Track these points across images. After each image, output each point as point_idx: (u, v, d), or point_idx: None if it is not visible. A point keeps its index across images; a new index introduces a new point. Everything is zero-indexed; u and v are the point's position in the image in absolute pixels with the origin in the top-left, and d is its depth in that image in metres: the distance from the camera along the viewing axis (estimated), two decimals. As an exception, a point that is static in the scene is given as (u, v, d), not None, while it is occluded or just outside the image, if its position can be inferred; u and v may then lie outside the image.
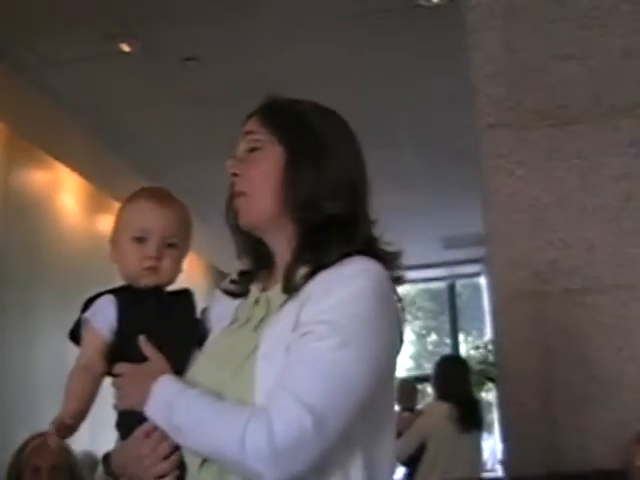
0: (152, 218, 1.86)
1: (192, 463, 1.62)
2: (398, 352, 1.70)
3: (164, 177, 6.68)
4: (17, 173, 6.90)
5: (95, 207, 8.32)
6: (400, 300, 1.72)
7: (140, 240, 1.85)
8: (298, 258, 1.70)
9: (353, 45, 5.83)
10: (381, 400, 1.64)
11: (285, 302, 1.66)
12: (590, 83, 3.34)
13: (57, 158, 7.43)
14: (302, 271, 1.67)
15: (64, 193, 7.76)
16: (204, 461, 1.60)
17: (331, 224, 1.69)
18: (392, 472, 1.71)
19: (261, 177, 1.74)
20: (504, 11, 3.48)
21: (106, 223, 8.29)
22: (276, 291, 1.72)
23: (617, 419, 3.11)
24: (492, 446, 9.61)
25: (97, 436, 6.93)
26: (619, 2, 3.37)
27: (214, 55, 5.82)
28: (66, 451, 3.35)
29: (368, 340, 1.56)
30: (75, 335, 1.87)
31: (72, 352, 1.87)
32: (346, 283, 1.59)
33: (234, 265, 1.93)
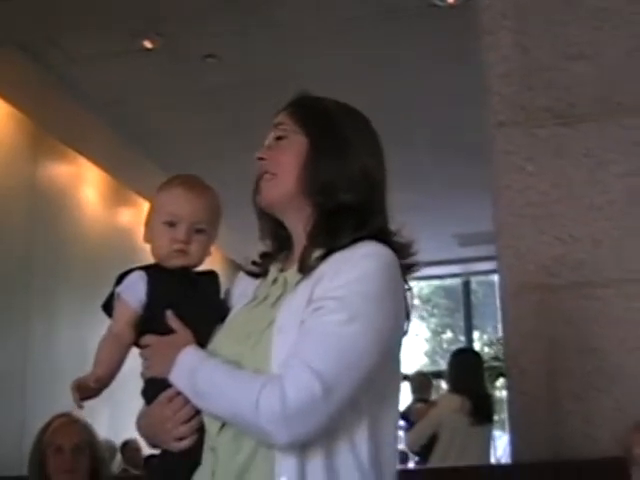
0: (182, 204, 1.96)
1: (211, 427, 1.74)
2: (404, 331, 1.81)
3: (183, 171, 6.77)
4: (42, 167, 7.03)
5: (116, 200, 8.45)
6: (410, 288, 1.84)
7: (171, 224, 1.95)
8: (313, 241, 1.82)
9: (369, 44, 5.92)
10: (387, 373, 1.76)
11: (300, 281, 1.78)
12: (599, 82, 3.42)
13: (80, 152, 7.56)
14: (316, 253, 1.79)
15: (87, 186, 7.90)
16: (222, 425, 1.71)
17: (345, 212, 1.81)
18: (395, 442, 1.82)
19: (285, 161, 1.86)
20: (516, 12, 3.56)
21: (126, 215, 8.42)
22: (292, 271, 1.83)
23: (620, 407, 3.19)
24: (506, 443, 9.63)
25: (116, 425, 7.09)
26: (628, 3, 3.44)
27: (234, 53, 5.93)
28: (88, 430, 3.41)
29: (374, 316, 1.67)
30: (107, 308, 1.98)
31: (92, 339, 1.97)
32: (356, 264, 1.71)
33: (247, 257, 2.06)
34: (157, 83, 6.49)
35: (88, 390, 1.83)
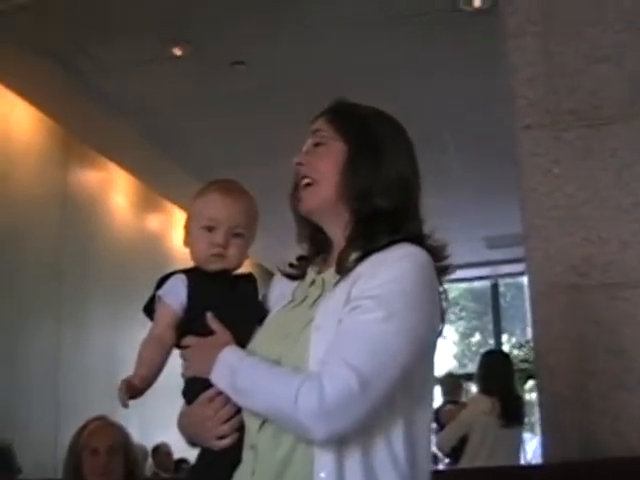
0: (220, 209, 2.02)
1: (251, 425, 1.80)
2: (439, 331, 1.86)
3: (212, 177, 6.85)
4: (73, 173, 7.12)
5: (145, 205, 8.52)
6: (444, 290, 1.89)
7: (209, 229, 2.01)
8: (350, 244, 1.87)
9: (396, 48, 5.95)
10: (421, 372, 1.80)
11: (338, 282, 1.83)
12: (624, 84, 3.43)
13: (110, 159, 7.65)
14: (353, 255, 1.84)
15: (116, 192, 7.97)
16: (262, 423, 1.77)
17: (382, 217, 1.86)
18: (429, 442, 1.86)
19: (324, 167, 1.92)
20: (542, 16, 3.59)
21: (155, 221, 8.49)
22: (330, 273, 1.89)
23: (649, 407, 3.21)
24: (536, 446, 9.60)
25: (147, 430, 7.15)
26: (653, 6, 3.47)
27: (262, 59, 5.98)
28: (123, 433, 3.46)
29: (410, 315, 1.72)
30: (148, 311, 2.04)
31: (122, 344, 2.03)
32: (392, 265, 1.76)
33: (277, 263, 2.11)
34: (186, 90, 6.55)
35: (133, 390, 1.88)
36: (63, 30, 5.54)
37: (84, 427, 3.47)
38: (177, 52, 5.88)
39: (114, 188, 8.03)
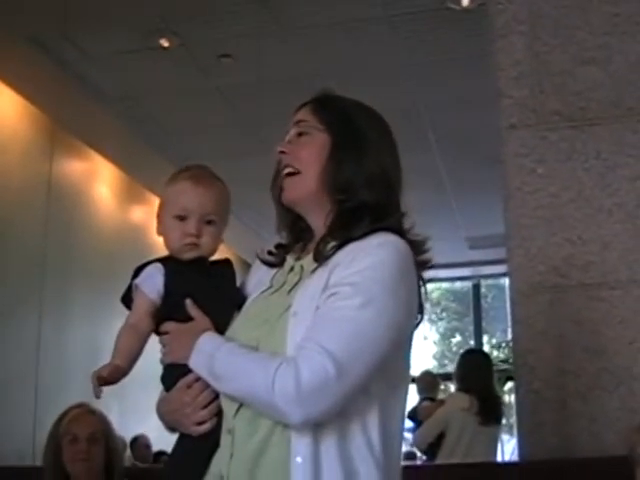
0: (191, 198, 2.00)
1: (228, 410, 1.80)
2: (417, 320, 1.88)
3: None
4: (58, 163, 7.10)
5: (129, 196, 8.51)
6: (424, 282, 1.90)
7: (181, 218, 2.00)
8: (330, 233, 1.88)
9: (384, 46, 5.97)
10: (398, 361, 1.81)
11: (316, 269, 1.84)
12: (610, 87, 3.45)
13: (95, 149, 7.63)
14: (332, 243, 1.85)
15: (101, 183, 7.96)
16: (239, 408, 1.77)
17: (363, 209, 1.87)
18: (402, 432, 1.87)
19: (307, 157, 1.92)
20: (529, 16, 3.60)
21: (139, 212, 8.48)
22: (309, 259, 1.90)
23: (627, 408, 3.23)
24: (513, 447, 9.63)
25: (126, 421, 7.14)
26: (638, 10, 3.49)
27: (249, 52, 5.98)
28: (104, 421, 3.45)
29: (388, 302, 1.73)
30: (125, 301, 2.03)
31: (104, 334, 2.03)
32: (371, 252, 1.76)
33: (254, 253, 2.12)
34: (172, 81, 6.55)
35: (104, 380, 1.87)
36: (49, 18, 5.52)
37: (64, 414, 3.45)
38: (164, 43, 5.87)
39: (98, 179, 8.01)
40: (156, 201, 2.13)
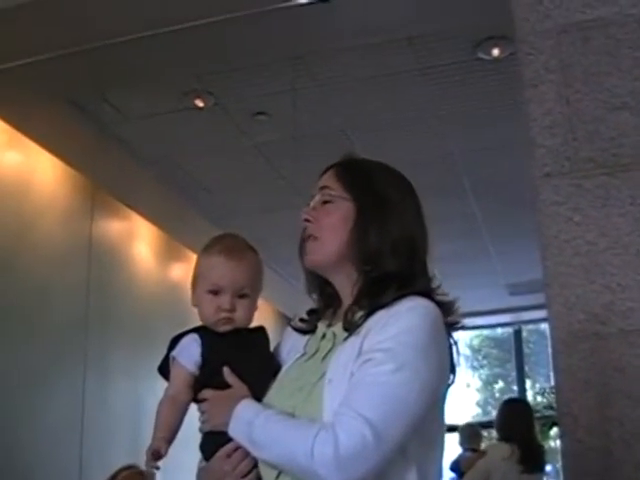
0: (223, 273, 2.04)
1: (268, 477, 1.83)
2: (449, 381, 1.89)
3: (233, 226, 6.93)
4: (98, 223, 7.19)
5: (168, 255, 8.57)
6: (455, 342, 1.93)
7: (214, 293, 2.04)
8: (357, 302, 1.92)
9: (417, 97, 6.01)
10: (432, 420, 1.83)
11: (349, 336, 1.87)
12: (642, 132, 3.46)
13: (134, 209, 7.71)
14: (360, 313, 1.88)
15: (140, 242, 8.03)
16: (278, 475, 1.80)
17: (390, 277, 1.90)
18: None
19: (331, 226, 1.96)
20: (560, 65, 3.62)
21: (178, 269, 8.54)
22: (340, 327, 1.93)
23: (672, 455, 3.19)
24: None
25: (170, 479, 7.14)
26: (670, 55, 3.49)
27: (283, 109, 6.03)
28: (153, 482, 3.46)
29: (420, 366, 1.76)
30: (163, 370, 2.07)
31: (145, 391, 2.07)
32: (401, 317, 1.80)
33: (296, 309, 2.14)
34: (208, 140, 6.63)
35: (156, 452, 1.92)
36: (86, 80, 5.62)
37: (114, 477, 3.47)
38: (199, 103, 5.96)
39: (137, 238, 8.08)
40: (194, 258, 2.17)
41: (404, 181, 2.05)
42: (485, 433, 8.68)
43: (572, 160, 3.54)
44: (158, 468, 1.92)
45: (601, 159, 3.50)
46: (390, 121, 6.24)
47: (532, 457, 5.43)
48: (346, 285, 1.98)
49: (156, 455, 1.91)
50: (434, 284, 1.95)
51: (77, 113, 6.06)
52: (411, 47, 5.36)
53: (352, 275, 1.95)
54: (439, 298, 1.91)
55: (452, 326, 1.92)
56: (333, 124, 6.20)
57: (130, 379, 7.39)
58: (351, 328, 1.87)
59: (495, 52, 5.40)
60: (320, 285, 2.08)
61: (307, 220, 2.01)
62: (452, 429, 7.85)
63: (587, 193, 3.49)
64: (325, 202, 2.00)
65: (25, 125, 6.21)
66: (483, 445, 7.74)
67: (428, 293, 1.89)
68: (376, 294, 1.88)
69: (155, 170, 7.12)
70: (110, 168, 6.96)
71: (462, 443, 7.45)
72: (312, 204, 2.03)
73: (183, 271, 8.58)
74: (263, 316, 2.13)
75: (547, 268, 3.54)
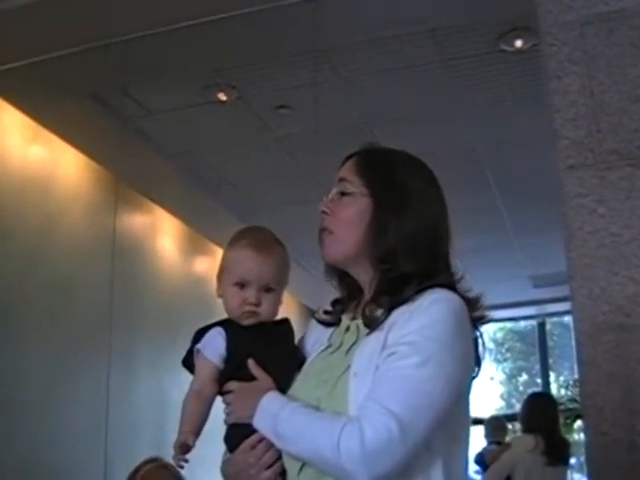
0: (250, 267, 2.03)
1: (291, 469, 1.83)
2: (474, 374, 1.89)
3: (256, 219, 6.93)
4: (122, 218, 7.21)
5: (191, 248, 8.58)
6: (481, 334, 1.91)
7: (241, 286, 2.04)
8: (376, 300, 1.91)
9: (439, 89, 5.99)
10: (457, 414, 1.83)
11: (372, 330, 1.86)
12: (667, 123, 3.43)
13: (157, 202, 7.72)
14: (379, 310, 1.87)
15: (163, 235, 8.05)
16: (302, 467, 1.80)
17: (408, 277, 1.88)
18: (466, 477, 1.90)
19: (347, 220, 1.95)
20: (583, 56, 3.60)
21: (202, 263, 8.55)
22: None
23: (699, 448, 3.17)
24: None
25: (193, 474, 7.16)
26: (696, 45, 3.47)
27: (305, 103, 6.03)
28: (176, 476, 3.45)
29: (445, 359, 1.75)
30: (186, 363, 2.07)
31: (170, 386, 2.07)
32: (425, 310, 1.79)
33: (320, 302, 2.13)
34: (231, 134, 6.63)
35: (184, 446, 1.94)
36: (109, 75, 5.65)
37: (137, 470, 3.47)
38: (222, 97, 5.96)
39: (161, 232, 8.10)
40: (218, 252, 2.17)
41: (425, 170, 2.03)
42: (509, 426, 8.65)
43: (596, 152, 3.52)
44: (187, 461, 1.92)
45: (625, 151, 3.48)
46: (412, 114, 6.22)
47: (556, 450, 5.42)
48: (364, 278, 1.97)
49: (184, 448, 1.92)
50: (457, 277, 1.94)
51: (100, 108, 6.08)
52: (433, 39, 5.34)
53: (369, 271, 1.95)
54: (463, 294, 1.90)
55: (478, 320, 1.91)
56: (355, 117, 6.19)
57: (154, 373, 7.41)
58: (371, 324, 1.87)
59: (518, 44, 5.37)
60: (339, 275, 2.07)
61: (324, 212, 2.00)
62: (477, 422, 7.84)
63: (611, 185, 3.47)
64: (343, 194, 1.99)
65: (49, 120, 6.24)
66: (508, 438, 7.72)
67: (451, 284, 1.88)
68: (395, 292, 1.87)
69: (178, 164, 7.14)
70: (133, 162, 6.98)
71: (487, 436, 7.44)
72: (330, 195, 2.02)
73: (207, 265, 8.60)
74: (287, 309, 2.13)
75: (571, 260, 3.53)
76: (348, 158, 2.05)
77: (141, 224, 7.74)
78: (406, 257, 1.88)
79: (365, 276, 1.95)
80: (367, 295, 1.96)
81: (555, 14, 3.61)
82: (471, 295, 1.92)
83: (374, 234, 1.91)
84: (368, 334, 1.86)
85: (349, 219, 1.94)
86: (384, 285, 1.91)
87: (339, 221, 1.96)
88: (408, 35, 5.30)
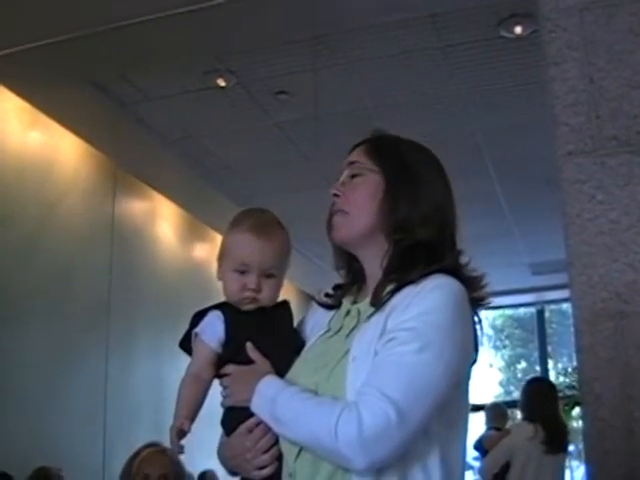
0: (251, 252, 2.01)
1: (289, 454, 1.83)
2: (473, 360, 1.88)
3: (255, 205, 6.92)
4: (120, 203, 7.22)
5: (190, 234, 8.59)
6: (480, 320, 1.91)
7: (241, 272, 2.02)
8: (387, 276, 1.90)
9: (439, 76, 5.98)
10: (456, 401, 1.83)
11: (373, 313, 1.86)
12: (667, 110, 3.43)
13: (156, 188, 7.72)
14: (389, 288, 1.86)
15: (162, 221, 8.05)
16: (300, 451, 1.79)
17: (420, 248, 1.88)
18: (464, 469, 1.89)
19: (360, 199, 1.95)
20: (583, 42, 3.58)
21: (201, 249, 8.56)
22: (365, 304, 1.92)
23: (697, 435, 3.17)
24: (583, 474, 9.48)
25: (193, 456, 7.17)
26: (695, 32, 3.45)
27: (305, 88, 6.02)
28: (176, 461, 3.46)
29: (444, 345, 1.75)
30: (184, 345, 2.06)
31: (168, 371, 2.06)
32: (426, 296, 1.79)
33: (320, 289, 2.13)
34: (230, 120, 6.62)
35: (180, 430, 1.92)
36: (107, 60, 5.64)
37: (136, 454, 3.47)
38: (221, 83, 5.95)
39: (160, 217, 8.11)
40: (217, 238, 2.16)
41: (433, 157, 2.05)
42: (509, 412, 8.66)
43: (595, 138, 3.50)
44: (182, 449, 1.91)
45: (624, 137, 3.46)
46: (411, 100, 6.22)
47: (556, 437, 5.42)
48: (373, 258, 1.96)
49: (180, 434, 1.92)
50: (463, 259, 1.94)
51: (99, 93, 6.07)
52: (433, 25, 5.33)
53: (382, 246, 1.93)
54: (467, 273, 1.90)
55: (478, 302, 1.91)
56: (354, 103, 6.19)
57: (153, 359, 7.42)
58: (378, 304, 1.86)
59: (518, 30, 5.36)
60: (347, 260, 2.07)
61: (336, 195, 2.00)
62: (478, 408, 7.84)
63: (610, 171, 3.46)
64: (354, 176, 1.99)
65: (47, 105, 6.23)
66: (508, 425, 7.73)
67: (455, 270, 1.88)
68: (406, 266, 1.87)
69: (177, 149, 7.13)
70: (132, 148, 6.98)
71: (487, 422, 7.45)
72: (341, 179, 2.02)
73: (206, 251, 8.60)
74: (285, 295, 2.12)
75: (570, 247, 3.52)
76: (357, 145, 2.06)
77: (140, 210, 7.74)
78: (419, 226, 1.89)
79: (378, 252, 1.94)
80: (372, 278, 1.95)
81: (554, 0, 3.59)
82: (474, 274, 1.92)
83: (387, 208, 1.92)
84: (369, 317, 1.86)
85: (362, 197, 1.95)
86: (397, 257, 1.90)
87: (352, 201, 1.96)
88: (407, 21, 5.28)
